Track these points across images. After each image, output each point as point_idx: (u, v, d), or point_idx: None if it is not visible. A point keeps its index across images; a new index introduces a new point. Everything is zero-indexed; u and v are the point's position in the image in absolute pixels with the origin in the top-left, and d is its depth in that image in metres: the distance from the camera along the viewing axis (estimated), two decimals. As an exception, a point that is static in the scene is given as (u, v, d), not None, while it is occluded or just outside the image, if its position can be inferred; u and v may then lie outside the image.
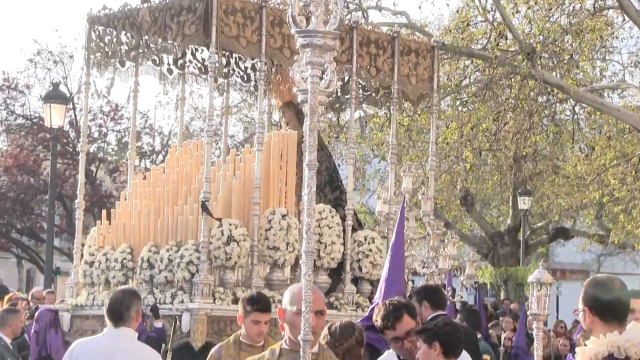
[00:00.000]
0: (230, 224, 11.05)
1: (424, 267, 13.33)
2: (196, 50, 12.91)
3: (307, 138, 4.18)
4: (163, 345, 9.19)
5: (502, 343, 16.43)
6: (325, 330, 5.60)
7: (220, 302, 10.89)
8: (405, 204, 8.87)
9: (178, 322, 10.67)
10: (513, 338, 16.17)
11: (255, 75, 13.63)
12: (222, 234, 11.01)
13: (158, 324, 10.72)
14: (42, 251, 28.90)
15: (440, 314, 7.93)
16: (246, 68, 13.61)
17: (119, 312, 6.94)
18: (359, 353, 5.68)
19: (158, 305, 10.96)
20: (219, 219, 11.04)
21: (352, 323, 5.67)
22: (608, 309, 4.40)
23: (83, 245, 12.44)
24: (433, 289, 8.69)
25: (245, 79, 13.69)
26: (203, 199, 11.00)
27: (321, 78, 4.10)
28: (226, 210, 11.25)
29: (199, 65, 13.23)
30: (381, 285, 8.12)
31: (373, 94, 13.80)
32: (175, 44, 11.58)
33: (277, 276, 11.50)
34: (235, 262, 11.10)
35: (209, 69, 11.45)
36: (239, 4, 11.27)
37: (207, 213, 10.94)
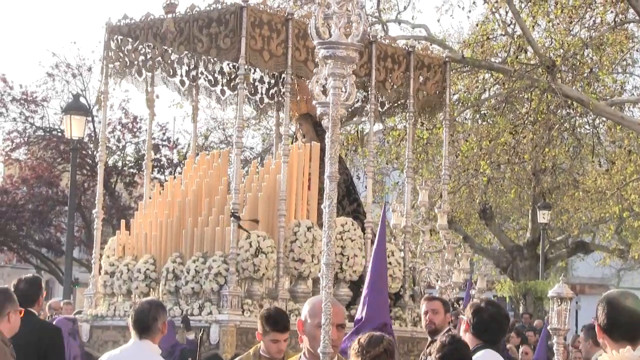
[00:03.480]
0: (258, 236, 11.06)
1: (438, 281, 13.32)
2: (209, 61, 12.88)
3: (328, 150, 4.16)
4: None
5: (520, 357, 16.37)
6: (355, 342, 5.61)
7: (249, 314, 10.88)
8: (385, 215, 8.71)
9: (205, 334, 10.65)
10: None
11: (262, 88, 13.64)
12: (251, 246, 11.00)
13: (190, 335, 10.70)
14: (61, 262, 28.96)
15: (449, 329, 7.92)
16: (254, 80, 13.61)
17: (145, 323, 6.85)
18: None
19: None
20: (249, 232, 11.02)
21: (383, 334, 5.66)
22: (615, 327, 4.32)
23: (101, 255, 12.43)
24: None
25: (253, 92, 13.67)
26: (233, 210, 10.99)
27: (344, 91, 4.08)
28: (253, 222, 11.25)
29: (210, 77, 13.21)
30: (364, 299, 7.94)
31: (379, 109, 13.74)
32: (209, 57, 11.55)
33: (301, 288, 11.49)
34: (263, 274, 11.09)
35: (238, 81, 11.41)
36: (266, 16, 11.27)
37: (239, 225, 10.93)
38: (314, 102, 4.43)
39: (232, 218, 10.98)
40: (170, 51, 12.03)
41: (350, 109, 13.44)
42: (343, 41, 3.93)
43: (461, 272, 13.81)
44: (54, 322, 12.06)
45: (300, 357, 5.78)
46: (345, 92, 4.12)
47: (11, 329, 6.79)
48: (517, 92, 20.04)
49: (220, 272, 10.95)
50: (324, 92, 4.31)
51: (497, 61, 19.96)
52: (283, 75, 13.26)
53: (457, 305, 13.62)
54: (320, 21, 3.93)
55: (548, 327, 6.02)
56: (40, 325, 8.31)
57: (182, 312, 10.96)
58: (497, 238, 31.82)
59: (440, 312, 8.86)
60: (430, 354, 5.87)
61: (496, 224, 31.27)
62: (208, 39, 11.22)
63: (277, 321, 7.07)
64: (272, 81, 13.73)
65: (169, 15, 11.53)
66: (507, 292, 30.58)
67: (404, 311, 12.52)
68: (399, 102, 13.36)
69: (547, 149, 21.61)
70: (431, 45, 18.81)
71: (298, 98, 13.05)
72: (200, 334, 10.41)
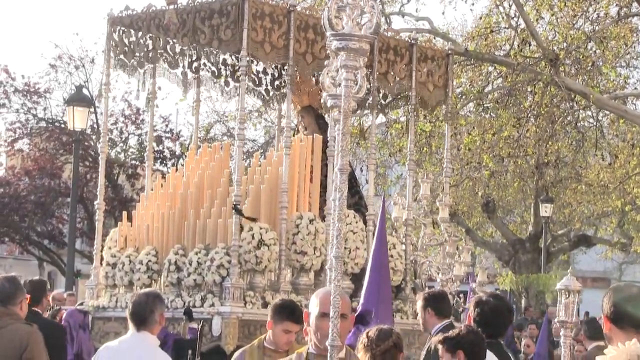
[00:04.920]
0: (260, 228, 11.05)
1: (439, 273, 13.33)
2: (211, 53, 12.86)
3: (339, 142, 4.14)
4: (189, 351, 9.17)
5: (522, 350, 16.42)
6: (363, 335, 5.61)
7: (251, 306, 10.87)
8: (384, 207, 8.70)
9: (207, 326, 10.65)
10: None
11: (266, 79, 13.62)
12: (253, 238, 10.99)
13: (193, 324, 10.70)
14: (64, 253, 28.98)
15: (447, 322, 7.91)
16: (258, 72, 13.58)
17: (142, 315, 6.92)
18: (397, 357, 5.66)
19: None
20: (254, 219, 11.00)
21: (391, 328, 5.66)
22: (625, 317, 4.36)
23: (103, 247, 12.43)
24: (437, 295, 8.57)
25: (257, 82, 13.65)
26: (235, 202, 10.98)
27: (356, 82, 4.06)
28: (255, 213, 11.25)
29: (213, 68, 13.19)
30: (367, 291, 7.92)
31: (382, 101, 13.72)
32: (211, 49, 11.54)
33: (303, 281, 11.48)
34: (265, 266, 11.08)
35: (240, 73, 11.38)
36: (268, 8, 11.25)
37: (241, 216, 10.91)
38: (324, 94, 4.41)
39: (233, 210, 10.97)
40: (173, 42, 12.01)
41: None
42: (356, 33, 3.90)
43: (462, 265, 13.83)
44: (63, 314, 12.06)
45: (308, 348, 5.80)
46: (357, 84, 4.10)
47: (22, 315, 7.18)
48: (520, 85, 20.03)
49: (222, 264, 10.94)
50: (334, 84, 4.28)
51: (500, 54, 19.94)
52: (286, 67, 13.26)
53: (458, 299, 13.64)
54: (334, 12, 3.90)
55: (555, 320, 6.01)
56: (45, 325, 8.44)
57: (184, 303, 10.96)
58: (499, 231, 31.83)
59: (420, 312, 8.79)
60: (444, 341, 5.85)
61: (498, 217, 31.27)
62: (210, 31, 11.20)
63: (293, 311, 7.04)
64: (276, 73, 13.72)
65: (171, 7, 11.52)
66: (509, 286, 30.60)
67: (405, 304, 12.51)
68: (401, 95, 13.34)
69: (550, 143, 21.60)
70: (434, 38, 18.80)
71: (302, 89, 13.04)
72: (200, 325, 10.42)
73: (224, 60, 13.19)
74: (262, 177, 11.54)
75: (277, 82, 13.70)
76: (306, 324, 5.85)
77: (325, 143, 11.92)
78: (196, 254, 11.14)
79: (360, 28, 3.88)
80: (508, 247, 31.46)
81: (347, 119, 4.05)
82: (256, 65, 13.43)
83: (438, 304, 8.20)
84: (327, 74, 4.12)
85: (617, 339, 4.30)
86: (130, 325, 6.97)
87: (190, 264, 11.13)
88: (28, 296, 7.48)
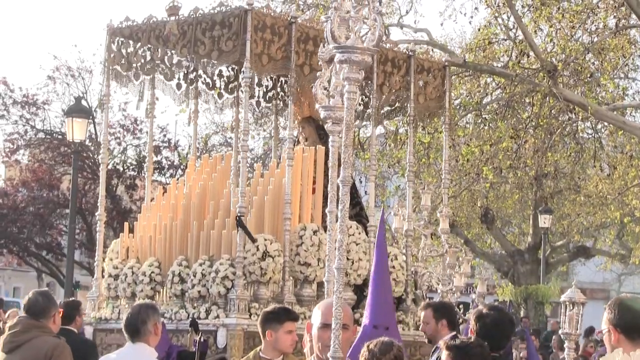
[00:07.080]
0: (265, 239, 11.04)
1: (439, 284, 13.35)
2: (207, 64, 12.84)
3: (341, 154, 4.14)
4: None
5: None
6: (364, 348, 5.63)
7: (256, 318, 10.85)
8: (383, 217, 8.68)
9: (212, 338, 10.62)
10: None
11: (260, 91, 13.62)
12: (258, 249, 10.98)
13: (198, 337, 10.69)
14: (62, 265, 28.99)
15: (453, 333, 7.90)
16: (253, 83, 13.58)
17: (135, 326, 6.98)
18: None
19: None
20: (254, 239, 10.98)
21: (392, 341, 5.67)
22: (633, 327, 4.39)
23: (104, 258, 12.41)
24: (450, 306, 8.59)
25: (250, 95, 13.62)
26: (239, 214, 10.97)
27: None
28: (259, 225, 11.24)
29: (208, 80, 13.19)
30: (369, 303, 7.91)
31: (380, 112, 13.71)
32: (212, 60, 11.54)
33: (307, 292, 11.47)
34: (270, 278, 11.08)
35: (243, 84, 11.37)
36: (270, 19, 11.25)
37: (244, 230, 10.89)
38: (317, 106, 4.41)
39: (237, 222, 10.95)
40: (172, 54, 12.01)
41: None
42: (359, 46, 3.90)
43: (462, 276, 13.84)
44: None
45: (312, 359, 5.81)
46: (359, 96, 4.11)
47: (56, 328, 7.45)
48: (518, 96, 20.01)
49: (227, 275, 10.93)
50: (328, 95, 4.29)
51: (499, 65, 19.95)
52: (281, 79, 13.26)
53: (458, 310, 13.66)
54: (337, 25, 3.90)
55: (560, 332, 6.01)
56: (78, 343, 8.61)
57: (188, 315, 10.95)
58: (498, 242, 31.83)
59: (430, 322, 8.82)
60: (450, 348, 5.84)
61: (497, 228, 31.27)
62: (210, 42, 11.21)
63: (288, 311, 7.11)
64: (270, 84, 13.72)
65: (172, 18, 11.52)
66: (508, 297, 30.58)
67: (407, 315, 12.51)
68: (397, 106, 13.35)
69: (548, 154, 21.60)
70: (433, 50, 18.79)
71: (302, 100, 13.04)
72: (200, 337, 10.40)
73: (220, 71, 13.18)
74: (266, 188, 11.53)
75: (269, 94, 13.70)
76: (308, 335, 5.86)
77: (327, 154, 11.93)
78: (200, 265, 11.12)
79: (363, 41, 3.89)
80: (507, 258, 31.44)
81: (350, 130, 4.06)
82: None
83: (452, 316, 8.23)
84: (320, 84, 4.12)
85: (626, 349, 4.32)
86: (126, 336, 7.04)
87: (195, 276, 11.11)
88: (61, 310, 7.70)
